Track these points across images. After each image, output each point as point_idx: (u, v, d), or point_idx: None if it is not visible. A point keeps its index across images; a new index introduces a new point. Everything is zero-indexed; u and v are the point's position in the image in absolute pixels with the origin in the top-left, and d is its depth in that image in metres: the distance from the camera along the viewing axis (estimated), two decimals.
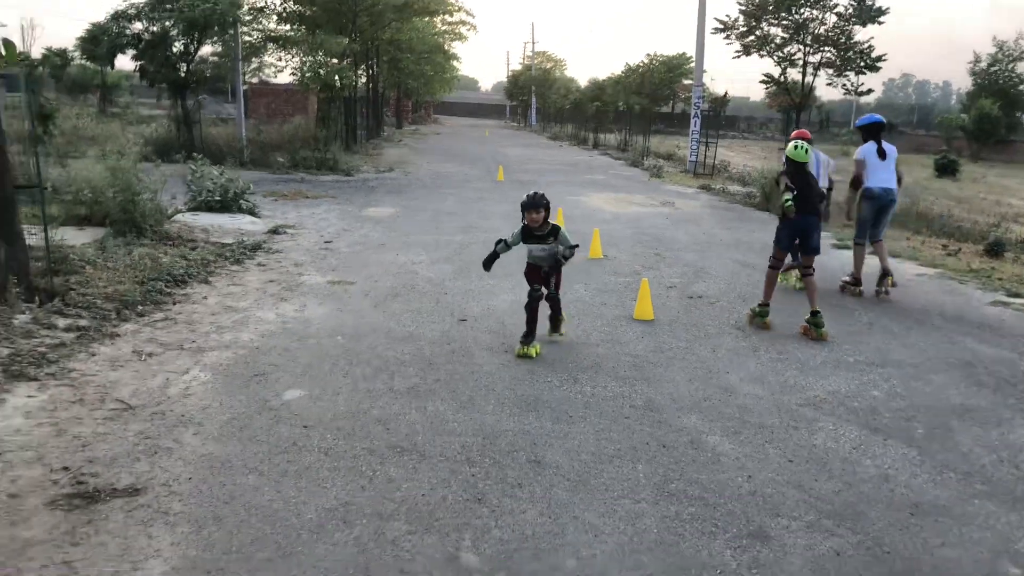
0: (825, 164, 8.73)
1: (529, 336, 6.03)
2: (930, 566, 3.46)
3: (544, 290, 6.09)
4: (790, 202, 6.74)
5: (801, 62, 18.14)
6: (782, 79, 18.37)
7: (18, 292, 6.41)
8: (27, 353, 5.36)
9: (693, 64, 25.51)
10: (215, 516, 3.57)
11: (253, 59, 21.97)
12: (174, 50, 19.71)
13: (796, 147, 6.99)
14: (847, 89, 17.92)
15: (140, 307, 6.77)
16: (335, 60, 22.62)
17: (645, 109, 34.10)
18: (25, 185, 7.17)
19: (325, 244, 10.35)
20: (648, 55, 35.36)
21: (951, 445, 4.74)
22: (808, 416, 5.09)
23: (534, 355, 5.98)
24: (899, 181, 8.52)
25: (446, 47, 43.42)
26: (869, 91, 18.24)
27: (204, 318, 6.68)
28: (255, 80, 27.14)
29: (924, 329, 7.29)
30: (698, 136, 23.99)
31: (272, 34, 22.35)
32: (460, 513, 3.69)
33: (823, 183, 8.26)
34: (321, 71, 21.25)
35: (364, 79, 29.89)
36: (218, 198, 12.08)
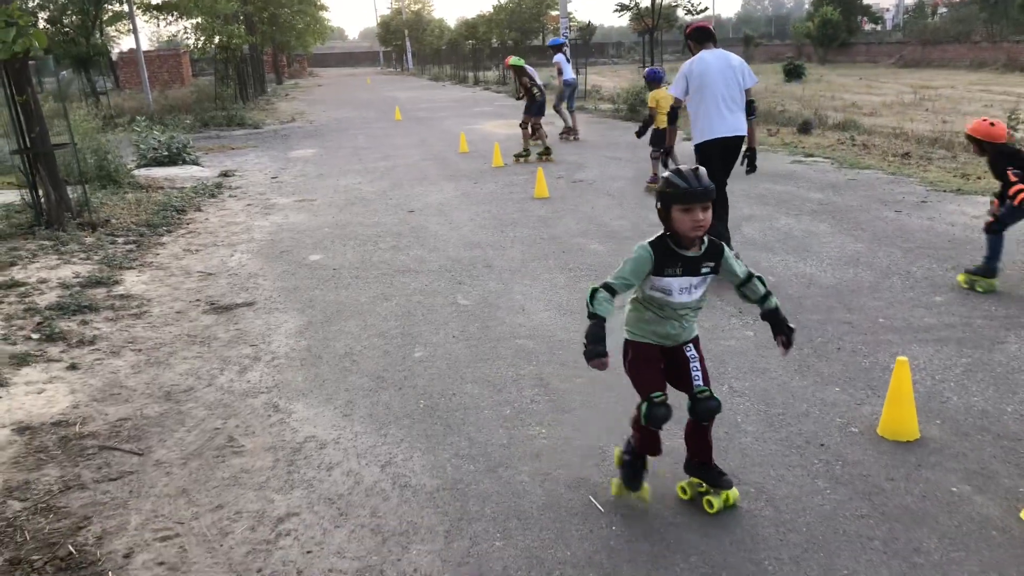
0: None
1: (635, 481, 3.23)
2: None
3: (664, 395, 3.05)
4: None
5: None
6: (633, 4, 21.06)
7: (76, 223, 8.50)
8: (112, 256, 7.53)
9: None
10: (308, 305, 6.04)
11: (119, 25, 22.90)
12: (72, 24, 20.79)
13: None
14: (687, 9, 20.83)
15: (163, 228, 8.91)
16: (225, 23, 24.02)
17: (518, 43, 36.48)
18: (60, 144, 9.10)
19: (273, 179, 12.51)
20: None
21: (743, 235, 7.60)
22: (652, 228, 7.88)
23: (647, 499, 3.27)
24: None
25: None
26: (705, 9, 21.20)
27: (218, 228, 8.92)
28: (127, 49, 28.11)
29: (737, 180, 10.20)
30: (569, 64, 26.58)
31: (147, 2, 23.44)
32: (451, 289, 6.28)
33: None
34: (217, 35, 22.70)
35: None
36: (165, 153, 13.97)
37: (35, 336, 5.41)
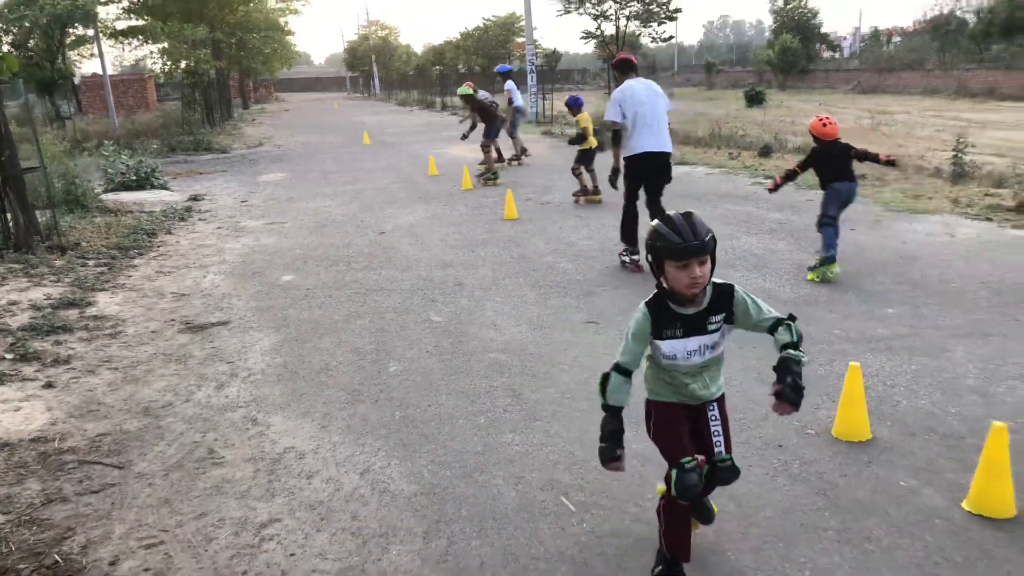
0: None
1: (675, 568, 2.84)
2: None
3: (695, 461, 2.71)
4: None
5: (614, 16, 21.40)
6: (599, 32, 21.56)
7: (45, 247, 8.51)
8: (84, 278, 7.55)
9: (525, 22, 28.46)
10: (282, 324, 6.13)
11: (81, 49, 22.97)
12: (36, 48, 20.73)
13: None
14: (652, 37, 21.35)
15: (134, 250, 8.94)
16: (192, 48, 24.06)
17: (485, 69, 36.92)
18: (30, 168, 9.11)
19: (242, 203, 12.57)
20: (483, 19, 38.10)
21: None
22: (615, 250, 8.11)
23: None
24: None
25: (283, 23, 44.55)
26: (671, 38, 21.72)
27: (189, 251, 8.97)
28: (89, 73, 28.03)
29: (701, 202, 10.52)
30: (535, 89, 27.04)
31: (113, 27, 23.45)
32: (423, 307, 6.42)
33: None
34: (184, 60, 22.73)
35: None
36: (133, 178, 13.98)
37: (8, 356, 5.45)
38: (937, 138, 18.14)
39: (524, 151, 15.89)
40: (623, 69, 7.37)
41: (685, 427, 2.79)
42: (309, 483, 3.68)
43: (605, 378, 2.73)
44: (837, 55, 67.40)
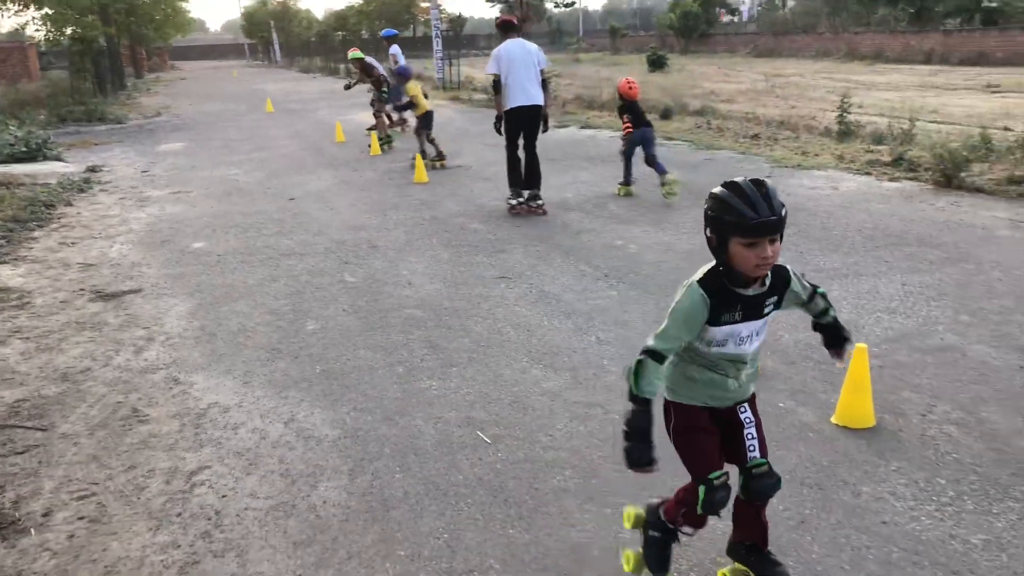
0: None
1: (665, 562, 2.67)
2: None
3: (725, 475, 2.44)
4: None
5: None
6: None
7: None
8: None
9: None
10: (196, 290, 6.17)
11: None
12: None
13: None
14: (555, 3, 21.54)
15: (33, 223, 8.70)
16: (79, 15, 22.94)
17: None
18: None
19: (143, 172, 12.28)
20: None
21: (608, 211, 8.19)
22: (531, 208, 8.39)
23: None
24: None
25: None
26: (572, 3, 21.99)
27: (92, 222, 8.79)
28: None
29: (604, 164, 10.89)
30: (441, 55, 26.94)
31: None
32: (338, 269, 6.56)
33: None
34: (70, 27, 21.68)
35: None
36: (24, 149, 13.42)
37: None
38: (827, 99, 19.00)
39: (404, 120, 15.85)
40: (504, 29, 8.38)
41: (714, 437, 2.43)
42: (235, 433, 3.84)
43: (638, 365, 2.30)
44: (736, 19, 69.06)
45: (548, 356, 4.61)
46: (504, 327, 5.10)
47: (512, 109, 8.04)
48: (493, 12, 23.32)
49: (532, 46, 8.22)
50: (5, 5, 22.13)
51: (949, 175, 8.55)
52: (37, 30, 22.65)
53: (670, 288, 5.59)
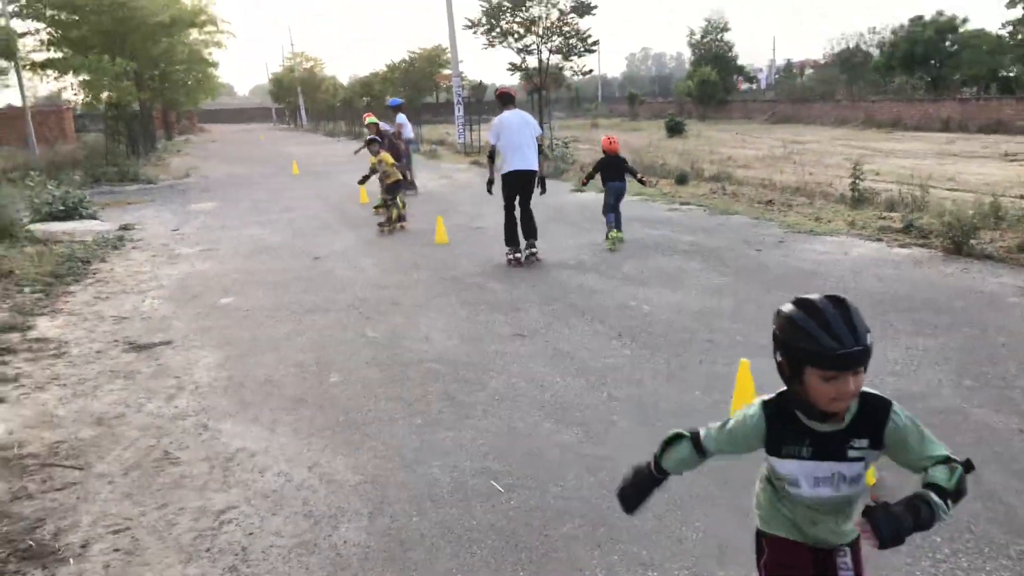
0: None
1: None
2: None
3: None
4: None
5: (537, 50, 22.20)
6: (523, 66, 22.34)
7: None
8: (22, 304, 7.69)
9: (451, 55, 29.17)
10: (225, 342, 6.44)
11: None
12: None
13: None
14: (573, 71, 22.25)
15: (70, 277, 9.07)
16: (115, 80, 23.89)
17: (412, 100, 37.49)
18: None
19: (174, 231, 12.72)
20: (409, 52, 38.73)
21: (622, 272, 8.44)
22: (550, 268, 8.64)
23: None
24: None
25: (207, 55, 44.33)
26: (590, 71, 22.69)
27: (125, 277, 9.15)
28: (2, 106, 27.59)
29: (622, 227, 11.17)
30: (463, 120, 27.70)
31: (30, 59, 23.12)
32: (362, 323, 6.81)
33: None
34: (106, 92, 22.60)
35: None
36: (61, 207, 13.95)
37: None
38: (844, 166, 19.31)
39: (413, 184, 16.27)
40: (503, 102, 9.27)
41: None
42: (262, 476, 4.04)
43: (674, 437, 2.21)
44: (754, 86, 70.18)
45: (561, 411, 4.80)
46: (519, 382, 5.30)
47: (510, 172, 8.82)
48: (514, 79, 24.04)
49: (528, 116, 9.09)
50: (45, 71, 23.07)
51: (959, 242, 8.73)
52: (76, 94, 23.53)
53: (682, 347, 5.80)
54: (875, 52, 52.96)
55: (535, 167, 8.92)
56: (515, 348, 6.05)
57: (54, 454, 4.37)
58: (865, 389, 1.92)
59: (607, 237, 9.81)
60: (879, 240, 9.68)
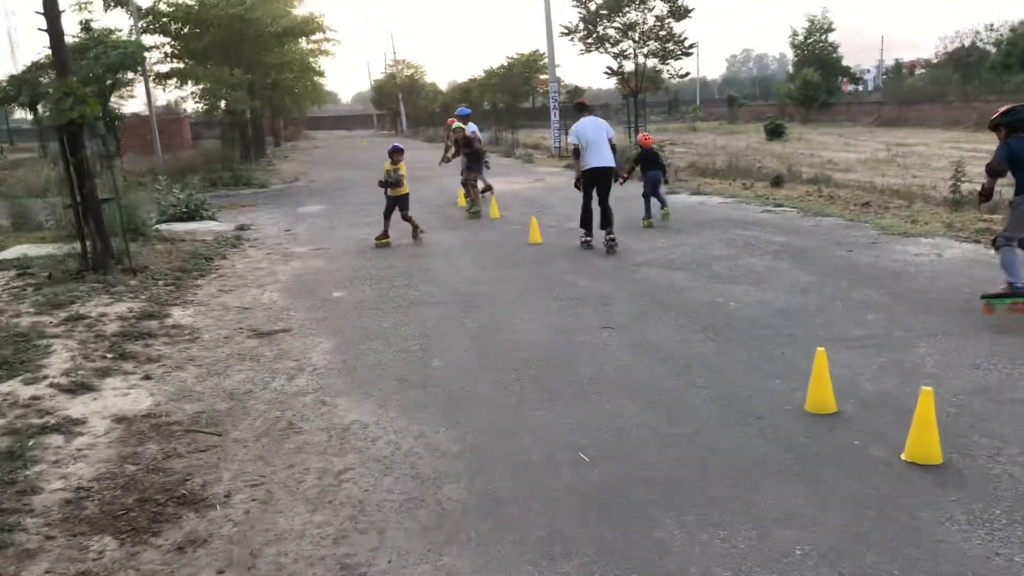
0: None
1: None
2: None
3: None
4: None
5: (633, 55, 22.41)
6: (620, 70, 22.57)
7: (120, 269, 9.54)
8: (157, 295, 8.54)
9: (547, 61, 29.67)
10: (337, 331, 7.05)
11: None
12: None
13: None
14: (670, 74, 22.36)
15: (196, 272, 9.94)
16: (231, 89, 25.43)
17: (509, 106, 38.14)
18: (106, 199, 10.19)
19: (287, 231, 13.60)
20: (508, 57, 39.37)
21: (711, 271, 8.68)
22: (640, 267, 8.95)
23: None
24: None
25: (314, 64, 46.30)
26: (687, 74, 22.78)
27: (245, 273, 9.96)
28: (128, 114, 29.72)
29: (712, 228, 11.37)
30: (558, 125, 28.13)
31: (155, 71, 24.92)
32: (461, 315, 7.33)
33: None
34: (223, 101, 24.11)
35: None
36: (184, 210, 15.10)
37: (109, 356, 6.40)
38: (951, 169, 18.82)
39: (489, 188, 15.84)
40: (579, 109, 10.80)
41: None
42: (374, 444, 4.55)
43: None
44: (860, 88, 67.99)
45: (644, 395, 5.15)
46: (606, 369, 5.67)
47: (588, 170, 10.19)
48: (610, 83, 24.35)
49: (602, 121, 10.50)
50: (168, 81, 24.75)
51: None
52: (196, 102, 25.17)
53: (764, 341, 6.06)
54: (992, 50, 50.65)
55: (611, 163, 10.21)
56: (603, 339, 6.42)
57: (196, 422, 5.00)
58: None
59: (645, 218, 11.88)
60: (976, 242, 9.57)
